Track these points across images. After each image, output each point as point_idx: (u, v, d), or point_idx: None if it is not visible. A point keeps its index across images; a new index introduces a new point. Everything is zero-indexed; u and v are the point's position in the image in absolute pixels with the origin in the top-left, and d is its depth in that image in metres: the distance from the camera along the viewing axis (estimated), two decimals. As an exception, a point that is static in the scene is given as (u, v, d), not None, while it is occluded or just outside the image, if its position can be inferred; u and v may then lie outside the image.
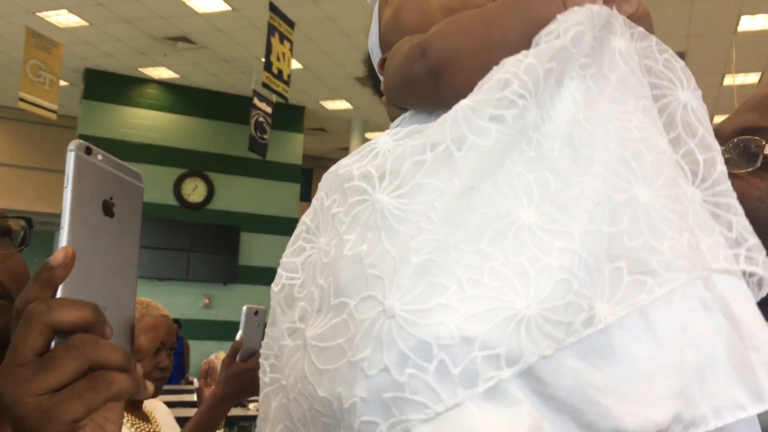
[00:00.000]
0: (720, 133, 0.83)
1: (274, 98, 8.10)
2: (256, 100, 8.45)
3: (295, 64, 8.77)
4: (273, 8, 6.81)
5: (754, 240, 0.63)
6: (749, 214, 0.73)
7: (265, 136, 8.42)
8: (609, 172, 0.61)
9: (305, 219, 0.73)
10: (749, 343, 0.58)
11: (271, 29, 6.74)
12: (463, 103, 0.63)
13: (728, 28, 8.12)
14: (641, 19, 0.73)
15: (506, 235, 0.59)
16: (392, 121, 0.82)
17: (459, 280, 0.57)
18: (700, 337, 0.57)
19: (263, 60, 6.84)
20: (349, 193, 0.66)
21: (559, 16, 0.66)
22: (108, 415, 0.61)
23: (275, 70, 6.80)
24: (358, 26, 8.32)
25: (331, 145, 13.88)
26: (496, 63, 0.66)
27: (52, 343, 0.56)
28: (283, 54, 6.95)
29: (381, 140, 0.70)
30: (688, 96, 0.71)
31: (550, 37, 0.65)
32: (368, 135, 12.39)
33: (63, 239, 0.58)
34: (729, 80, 9.47)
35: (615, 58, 0.67)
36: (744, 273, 0.63)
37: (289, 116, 11.10)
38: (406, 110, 0.80)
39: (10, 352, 0.57)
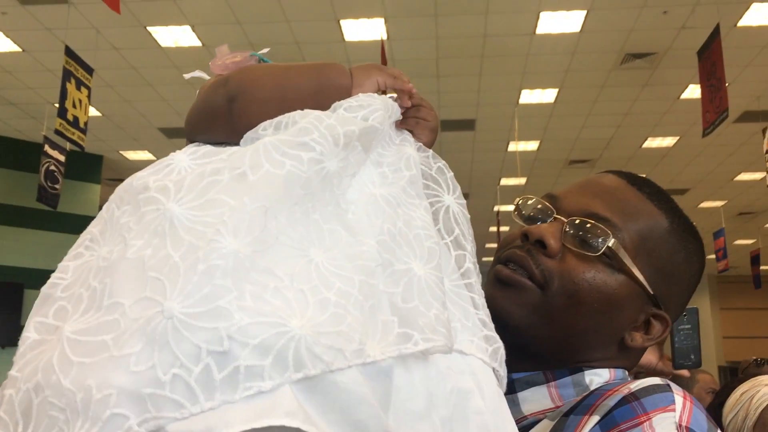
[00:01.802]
0: (562, 202, 0.91)
1: (68, 146, 7.61)
2: (47, 148, 7.88)
3: (93, 112, 8.33)
4: (69, 53, 6.46)
5: (487, 332, 0.75)
6: (576, 289, 0.84)
7: (57, 186, 7.86)
8: (394, 243, 0.71)
9: (92, 228, 0.75)
10: (488, 406, 0.68)
11: (67, 74, 6.38)
12: (266, 139, 0.71)
13: (511, 100, 9.01)
14: (428, 145, 0.92)
15: (295, 264, 0.64)
16: None
17: (242, 290, 0.60)
18: (452, 391, 0.66)
19: (57, 105, 6.44)
20: (143, 203, 0.68)
21: (361, 96, 0.82)
22: None
23: (70, 117, 6.42)
24: (163, 76, 8.14)
25: (132, 196, 13.24)
26: (286, 104, 0.79)
27: None
28: (80, 100, 6.60)
29: (177, 157, 0.76)
30: (451, 200, 0.84)
31: (355, 111, 0.79)
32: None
33: None
34: (513, 147, 10.45)
35: (410, 162, 0.82)
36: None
37: (86, 165, 10.45)
38: None
39: None
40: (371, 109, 0.80)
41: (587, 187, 0.92)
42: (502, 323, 0.85)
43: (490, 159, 11.23)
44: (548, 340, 0.86)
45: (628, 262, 0.84)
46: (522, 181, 11.71)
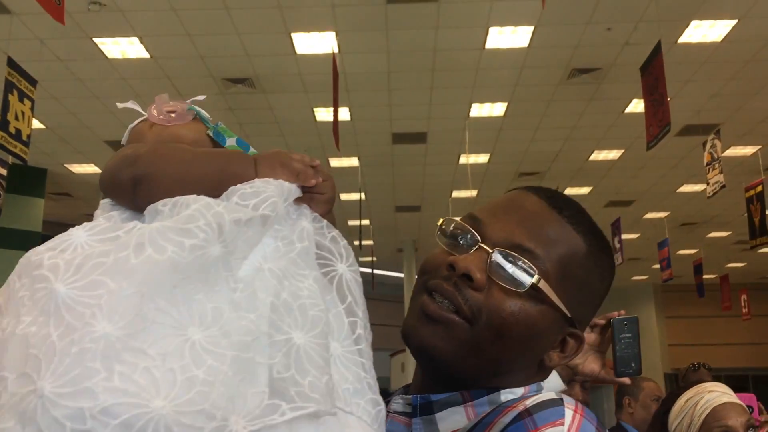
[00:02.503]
0: (486, 229, 0.90)
1: (10, 159, 7.40)
2: (-12, 161, 7.65)
3: (37, 124, 8.13)
4: (12, 64, 6.29)
5: (373, 395, 0.82)
6: (502, 323, 0.86)
7: (-1, 201, 7.62)
8: (276, 315, 0.76)
9: None
10: None
11: (9, 86, 6.20)
12: (154, 225, 0.77)
13: (462, 114, 9.13)
14: (328, 216, 0.95)
15: (170, 344, 0.69)
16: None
17: (111, 370, 0.65)
18: None
19: (-1, 118, 6.26)
20: (35, 280, 0.73)
21: (257, 182, 0.87)
22: None
23: (12, 130, 6.24)
24: (109, 88, 7.98)
25: (78, 210, 12.91)
26: (188, 192, 0.84)
27: None
28: (23, 113, 6.42)
29: (75, 233, 0.80)
30: (344, 269, 0.90)
31: (248, 199, 0.83)
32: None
33: None
34: (464, 159, 10.58)
35: (303, 235, 0.87)
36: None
37: (29, 179, 10.17)
38: None
39: None
40: (264, 197, 0.85)
41: (510, 212, 0.92)
42: (428, 356, 0.88)
43: (441, 172, 11.33)
44: (473, 370, 0.88)
45: (550, 294, 0.87)
46: (473, 193, 11.85)
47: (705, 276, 15.58)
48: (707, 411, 1.99)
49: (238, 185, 0.87)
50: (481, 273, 0.87)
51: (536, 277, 0.86)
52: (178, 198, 0.83)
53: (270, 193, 0.86)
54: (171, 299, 0.71)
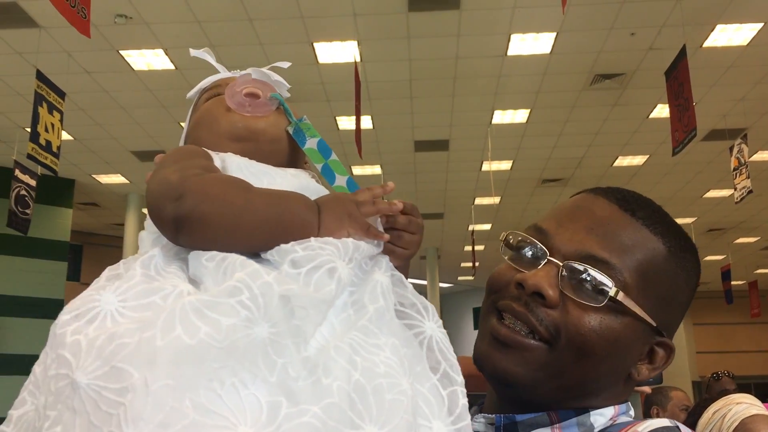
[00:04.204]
0: (554, 240, 0.83)
1: (39, 170, 7.53)
2: (18, 172, 7.80)
3: (64, 135, 8.27)
4: (41, 77, 6.41)
5: None
6: (584, 341, 0.79)
7: (28, 211, 7.76)
8: (345, 403, 0.63)
9: (36, 368, 0.71)
10: None
11: (39, 98, 6.32)
12: (190, 299, 0.65)
13: (484, 121, 9.10)
14: (402, 268, 0.84)
15: None
16: None
17: None
18: None
19: (28, 130, 6.37)
20: (59, 363, 0.64)
21: (313, 241, 0.74)
22: None
23: (42, 141, 6.35)
24: (135, 100, 8.10)
25: (105, 220, 13.10)
26: (236, 245, 0.73)
27: None
28: (52, 125, 6.54)
29: (105, 298, 0.69)
30: (433, 327, 0.77)
31: (299, 266, 0.70)
32: (146, 210, 11.87)
33: None
34: (486, 166, 10.54)
35: (376, 291, 0.73)
36: None
37: (57, 189, 10.33)
38: None
39: None
40: (318, 262, 0.71)
41: (579, 220, 0.85)
42: (505, 383, 0.82)
43: (464, 179, 11.30)
44: (555, 393, 0.82)
45: (631, 305, 0.80)
46: (496, 200, 11.80)
47: (733, 282, 15.35)
48: (735, 423, 1.96)
49: (289, 246, 0.74)
50: (553, 289, 0.80)
51: (614, 289, 0.79)
52: (225, 256, 0.72)
53: (326, 257, 0.72)
54: (210, 392, 0.60)
